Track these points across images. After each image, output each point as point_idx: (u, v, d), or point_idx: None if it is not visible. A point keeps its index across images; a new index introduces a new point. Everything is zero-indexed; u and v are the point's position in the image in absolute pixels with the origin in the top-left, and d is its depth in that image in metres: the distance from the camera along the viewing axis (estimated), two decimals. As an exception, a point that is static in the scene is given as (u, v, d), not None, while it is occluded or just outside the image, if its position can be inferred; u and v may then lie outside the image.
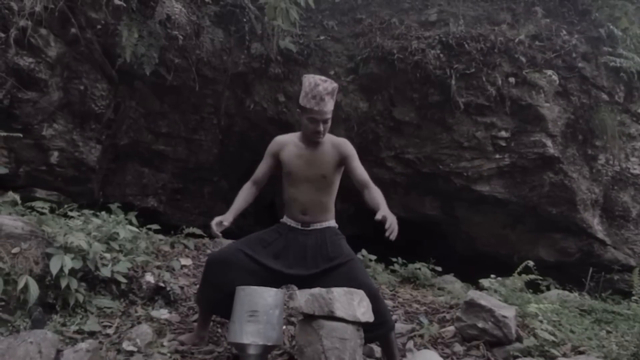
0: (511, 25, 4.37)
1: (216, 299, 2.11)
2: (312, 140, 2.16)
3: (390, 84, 4.28)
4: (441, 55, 4.08)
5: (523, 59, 4.07)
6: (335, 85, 2.10)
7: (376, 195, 2.01)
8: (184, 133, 4.65)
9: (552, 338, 2.41)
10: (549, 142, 4.13)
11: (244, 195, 2.26)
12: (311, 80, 2.08)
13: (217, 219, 2.08)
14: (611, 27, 4.32)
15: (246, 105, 4.56)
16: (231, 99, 4.57)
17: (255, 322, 1.92)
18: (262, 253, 2.13)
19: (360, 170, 2.13)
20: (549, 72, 4.07)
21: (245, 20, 4.32)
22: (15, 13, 3.29)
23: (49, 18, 3.43)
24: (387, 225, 1.78)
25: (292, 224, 2.21)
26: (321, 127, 2.09)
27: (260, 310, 1.94)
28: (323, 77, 2.12)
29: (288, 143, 2.22)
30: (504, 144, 4.18)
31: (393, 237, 1.77)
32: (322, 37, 4.52)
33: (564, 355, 2.38)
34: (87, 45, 3.75)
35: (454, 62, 4.07)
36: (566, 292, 3.91)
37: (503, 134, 4.15)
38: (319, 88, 2.04)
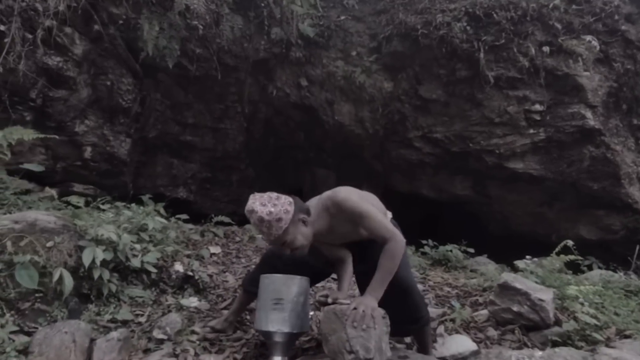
0: (544, -10, 4.09)
1: None
2: None
3: (415, 61, 4.12)
4: (468, 27, 3.88)
5: (558, 26, 3.81)
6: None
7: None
8: (209, 123, 4.69)
9: (594, 321, 2.28)
10: (588, 114, 3.87)
11: None
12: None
13: None
14: (658, -17, 3.96)
15: (269, 92, 4.54)
16: (254, 86, 4.56)
17: (280, 310, 1.91)
18: None
19: None
20: (588, 37, 3.79)
21: (263, 5, 4.26)
22: (40, 14, 3.38)
23: (73, 16, 3.50)
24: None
25: None
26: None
27: (285, 298, 1.93)
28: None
29: None
30: (538, 118, 3.95)
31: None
32: (342, 17, 4.40)
33: (608, 339, 2.25)
34: (111, 41, 3.81)
35: (482, 34, 3.86)
36: (610, 272, 3.70)
37: (537, 107, 3.92)
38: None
